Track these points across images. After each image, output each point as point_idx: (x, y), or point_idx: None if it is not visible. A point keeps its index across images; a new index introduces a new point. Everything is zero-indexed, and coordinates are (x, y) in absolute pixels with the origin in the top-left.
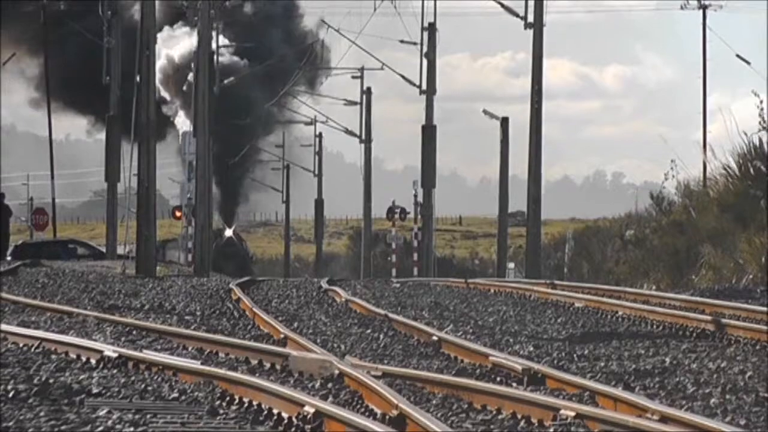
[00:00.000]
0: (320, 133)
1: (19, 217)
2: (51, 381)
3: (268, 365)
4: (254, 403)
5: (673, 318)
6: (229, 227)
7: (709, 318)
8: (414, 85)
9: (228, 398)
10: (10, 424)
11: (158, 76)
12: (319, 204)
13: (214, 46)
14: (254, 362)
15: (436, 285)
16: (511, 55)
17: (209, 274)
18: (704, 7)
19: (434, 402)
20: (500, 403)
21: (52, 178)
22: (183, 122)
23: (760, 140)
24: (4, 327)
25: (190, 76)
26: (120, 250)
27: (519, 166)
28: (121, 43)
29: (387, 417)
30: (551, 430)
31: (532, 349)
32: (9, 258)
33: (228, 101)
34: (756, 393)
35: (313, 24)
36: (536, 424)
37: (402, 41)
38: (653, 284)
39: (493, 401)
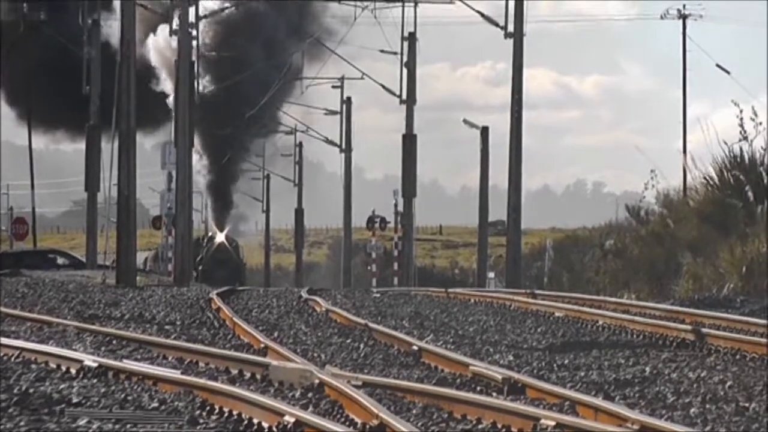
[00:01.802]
0: (300, 143)
1: None
2: (31, 391)
3: (248, 375)
4: (234, 412)
5: (653, 327)
6: (221, 231)
7: (689, 327)
8: (394, 94)
9: (208, 408)
10: None
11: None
12: (299, 213)
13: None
14: (234, 372)
15: (416, 295)
16: (491, 65)
17: (189, 283)
18: (684, 17)
19: (414, 411)
20: (480, 413)
21: (32, 187)
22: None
23: (741, 150)
24: None
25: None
26: (101, 260)
27: (499, 176)
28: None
29: (367, 426)
30: None
31: (512, 358)
32: None
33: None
34: (736, 402)
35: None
36: None
37: (382, 51)
38: (633, 294)
39: (473, 411)
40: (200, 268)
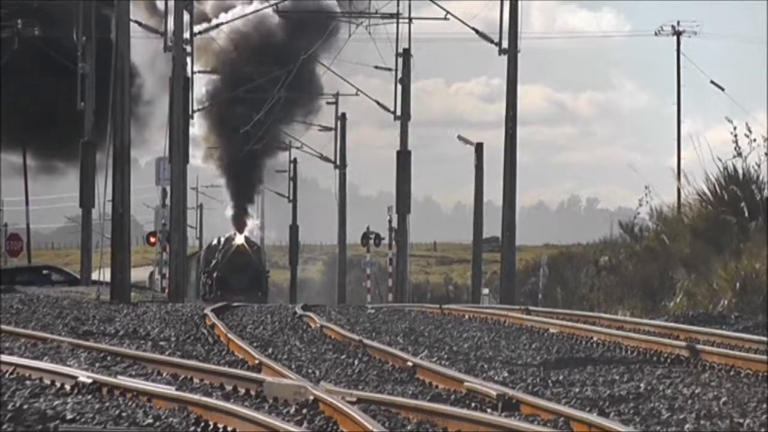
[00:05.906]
0: (295, 159)
1: None
2: (25, 407)
3: (242, 391)
4: (229, 429)
5: (648, 344)
6: (240, 233)
7: (683, 344)
8: (388, 110)
9: (203, 424)
10: None
11: None
12: (293, 229)
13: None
14: (229, 388)
15: (410, 311)
16: (485, 81)
17: (184, 299)
18: (678, 34)
19: (409, 428)
20: (475, 429)
21: (27, 203)
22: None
23: (734, 167)
24: None
25: None
26: (95, 276)
27: (493, 192)
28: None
29: None
30: None
31: (506, 374)
32: None
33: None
34: (730, 419)
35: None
36: None
37: (377, 67)
38: (627, 310)
39: (467, 427)
40: (215, 275)
